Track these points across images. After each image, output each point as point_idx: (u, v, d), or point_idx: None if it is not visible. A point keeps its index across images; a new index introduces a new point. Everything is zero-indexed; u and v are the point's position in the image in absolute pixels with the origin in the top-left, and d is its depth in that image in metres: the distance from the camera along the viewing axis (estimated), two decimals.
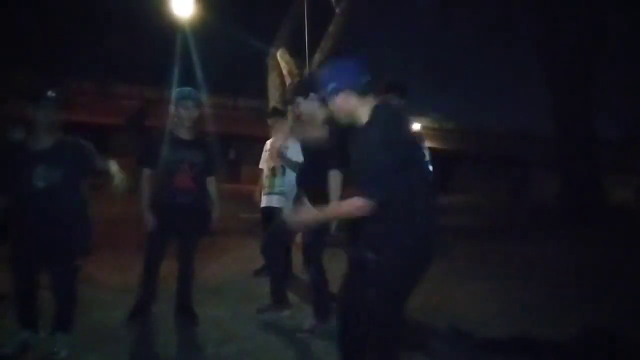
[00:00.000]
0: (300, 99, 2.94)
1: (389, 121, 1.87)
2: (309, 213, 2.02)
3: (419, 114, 19.29)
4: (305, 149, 3.03)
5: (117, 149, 17.55)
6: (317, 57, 7.41)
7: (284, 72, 7.54)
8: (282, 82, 7.62)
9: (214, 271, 4.44)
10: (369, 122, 1.89)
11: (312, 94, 2.80)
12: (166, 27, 8.09)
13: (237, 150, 19.24)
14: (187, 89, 3.05)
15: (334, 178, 2.86)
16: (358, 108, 1.92)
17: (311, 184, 2.85)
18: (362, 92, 1.90)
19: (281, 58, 7.55)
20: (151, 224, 2.92)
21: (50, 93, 2.45)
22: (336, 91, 1.91)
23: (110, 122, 17.68)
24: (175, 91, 3.04)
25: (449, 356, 2.80)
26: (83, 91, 16.00)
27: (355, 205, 1.84)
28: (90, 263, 4.48)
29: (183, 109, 2.93)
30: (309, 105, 2.89)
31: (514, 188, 20.36)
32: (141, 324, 3.02)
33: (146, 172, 2.97)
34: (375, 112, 1.89)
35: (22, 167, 2.41)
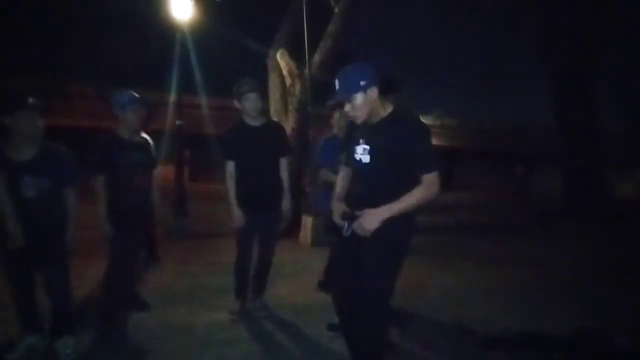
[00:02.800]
0: (253, 95, 3.09)
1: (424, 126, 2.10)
2: (378, 216, 1.95)
3: (421, 111, 19.26)
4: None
5: None
6: (317, 57, 7.40)
7: (284, 72, 7.53)
8: (283, 83, 7.62)
9: (217, 273, 4.44)
10: (404, 116, 2.07)
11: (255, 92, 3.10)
12: (166, 30, 8.11)
13: None
14: (129, 92, 2.99)
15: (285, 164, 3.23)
16: (377, 104, 2.07)
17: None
18: (387, 87, 2.13)
19: (281, 59, 7.54)
20: (109, 232, 2.85)
21: (32, 100, 2.43)
22: (366, 87, 2.02)
23: (113, 126, 17.70)
24: (118, 95, 2.94)
25: (453, 354, 2.79)
26: (84, 96, 16.07)
27: (434, 184, 1.97)
28: (93, 267, 4.51)
29: (132, 112, 2.91)
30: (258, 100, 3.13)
31: (517, 184, 20.28)
32: (146, 326, 3.03)
33: (100, 178, 2.85)
34: (407, 112, 2.08)
35: (8, 177, 2.40)
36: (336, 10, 7.49)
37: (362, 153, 2.08)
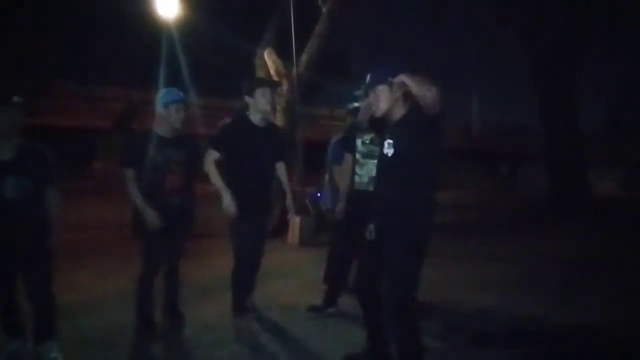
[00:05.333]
0: (269, 90, 3.04)
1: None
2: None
3: None
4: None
5: (105, 153, 17.38)
6: (304, 56, 7.40)
7: (272, 71, 7.51)
8: None
9: (205, 273, 4.41)
10: (423, 114, 2.17)
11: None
12: (152, 28, 8.01)
13: None
14: (175, 90, 2.98)
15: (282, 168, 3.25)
16: (397, 103, 2.29)
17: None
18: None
19: (268, 58, 7.52)
20: (154, 219, 2.77)
21: (15, 99, 2.38)
22: (392, 84, 2.24)
23: (97, 125, 17.43)
24: (163, 92, 2.92)
25: (442, 350, 2.82)
26: (68, 95, 15.75)
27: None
28: (77, 269, 4.44)
29: (175, 111, 2.87)
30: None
31: (502, 183, 20.61)
32: (132, 328, 2.99)
33: (130, 172, 2.82)
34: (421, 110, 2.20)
35: None
36: (324, 9, 7.50)
37: (387, 147, 2.31)
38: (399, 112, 2.30)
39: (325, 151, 3.81)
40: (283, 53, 7.51)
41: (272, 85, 3.17)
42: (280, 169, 3.24)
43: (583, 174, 10.69)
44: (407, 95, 2.27)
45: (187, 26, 8.15)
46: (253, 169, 2.99)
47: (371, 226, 2.31)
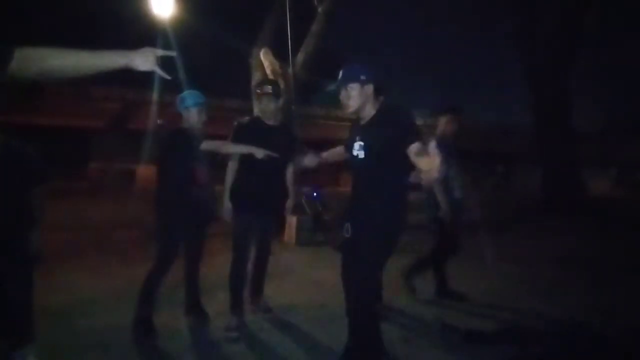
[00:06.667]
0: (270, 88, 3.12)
1: (411, 119, 2.27)
2: None
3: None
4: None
5: (99, 153, 17.28)
6: (301, 56, 7.40)
7: (268, 71, 7.50)
8: None
9: (205, 273, 4.32)
10: (392, 115, 2.25)
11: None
12: (146, 27, 7.97)
13: None
14: (196, 93, 3.08)
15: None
16: (368, 102, 2.28)
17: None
18: (377, 89, 2.29)
19: (264, 57, 7.51)
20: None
21: None
22: (364, 82, 2.25)
23: (91, 125, 17.33)
24: (186, 95, 3.03)
25: (435, 348, 2.83)
26: (62, 94, 15.65)
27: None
28: (72, 270, 4.42)
29: (197, 113, 3.01)
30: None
31: (497, 182, 20.72)
32: (127, 330, 2.97)
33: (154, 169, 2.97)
34: (398, 109, 2.27)
35: None
36: (320, 9, 7.50)
37: (358, 149, 2.29)
38: (369, 111, 2.30)
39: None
40: (279, 53, 7.50)
41: (273, 84, 3.23)
42: (289, 169, 3.30)
43: (577, 173, 10.78)
44: (378, 94, 2.30)
45: (183, 26, 8.11)
46: (265, 167, 2.98)
47: (347, 224, 2.35)
